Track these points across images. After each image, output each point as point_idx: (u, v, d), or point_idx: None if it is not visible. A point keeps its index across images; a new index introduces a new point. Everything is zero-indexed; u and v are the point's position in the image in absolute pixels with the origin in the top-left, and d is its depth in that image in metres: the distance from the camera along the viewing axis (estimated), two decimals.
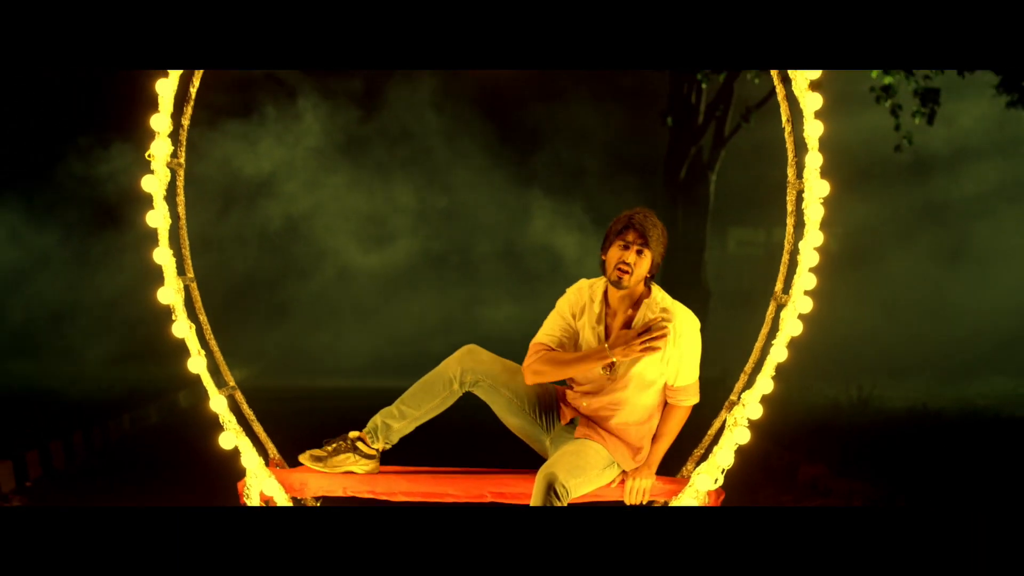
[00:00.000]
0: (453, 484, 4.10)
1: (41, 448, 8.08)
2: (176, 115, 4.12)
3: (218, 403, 4.11)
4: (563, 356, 4.05)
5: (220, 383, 4.19)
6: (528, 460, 4.31)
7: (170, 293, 4.08)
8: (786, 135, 4.02)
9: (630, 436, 4.10)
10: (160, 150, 4.08)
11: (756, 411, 4.00)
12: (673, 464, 4.21)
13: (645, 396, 4.09)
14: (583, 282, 4.22)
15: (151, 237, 4.08)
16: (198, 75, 4.12)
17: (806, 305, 3.97)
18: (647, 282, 4.11)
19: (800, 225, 4.02)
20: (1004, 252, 20.58)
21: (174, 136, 4.13)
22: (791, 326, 3.97)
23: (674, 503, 4.05)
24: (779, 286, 4.06)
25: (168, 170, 4.12)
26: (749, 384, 4.05)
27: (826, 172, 4.00)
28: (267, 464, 4.20)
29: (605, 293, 4.13)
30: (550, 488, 3.85)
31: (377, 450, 4.15)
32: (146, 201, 4.08)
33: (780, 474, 8.12)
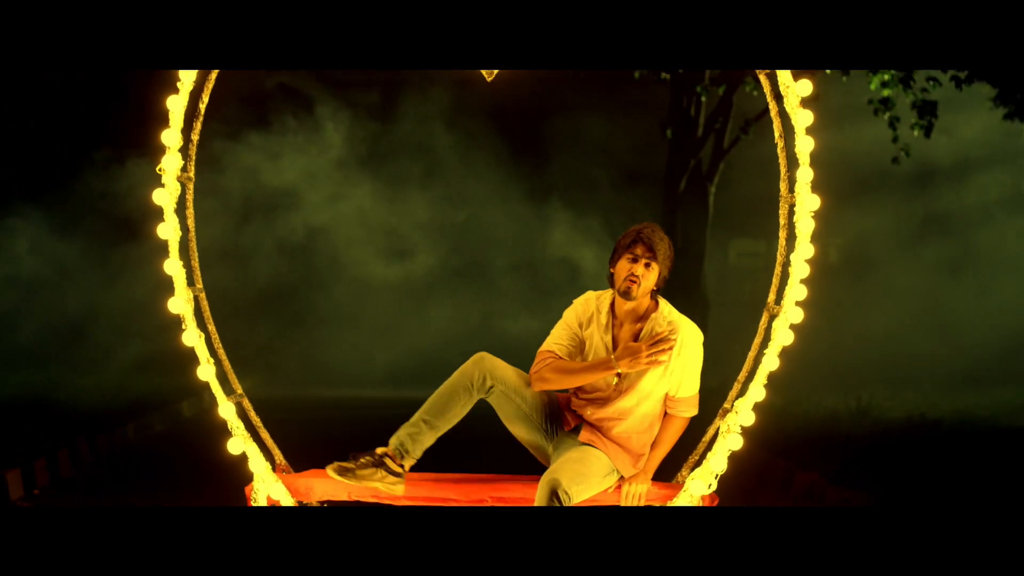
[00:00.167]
0: (455, 489, 4.22)
1: (49, 456, 8.19)
2: (186, 130, 4.25)
3: (227, 409, 4.23)
4: (570, 365, 4.18)
5: (228, 391, 4.31)
6: (529, 466, 4.43)
7: (180, 303, 4.20)
8: (779, 150, 4.15)
9: (632, 444, 4.22)
10: (170, 164, 4.21)
11: (748, 418, 4.11)
12: (668, 470, 4.33)
13: (648, 406, 4.22)
14: (590, 294, 4.35)
15: (162, 249, 4.20)
16: (207, 91, 4.25)
17: (797, 315, 4.09)
18: (654, 295, 4.24)
19: (792, 238, 4.14)
20: (1006, 263, 20.64)
21: (184, 151, 4.26)
22: (783, 336, 4.09)
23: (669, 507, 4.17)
24: (771, 297, 4.18)
25: (178, 183, 4.24)
26: (742, 392, 4.16)
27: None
28: (273, 469, 4.31)
29: (612, 305, 4.26)
30: (553, 494, 3.97)
31: (404, 468, 4.18)
32: (157, 214, 4.20)
33: (776, 482, 8.22)
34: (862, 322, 19.76)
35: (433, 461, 4.64)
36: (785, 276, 4.16)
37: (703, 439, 4.24)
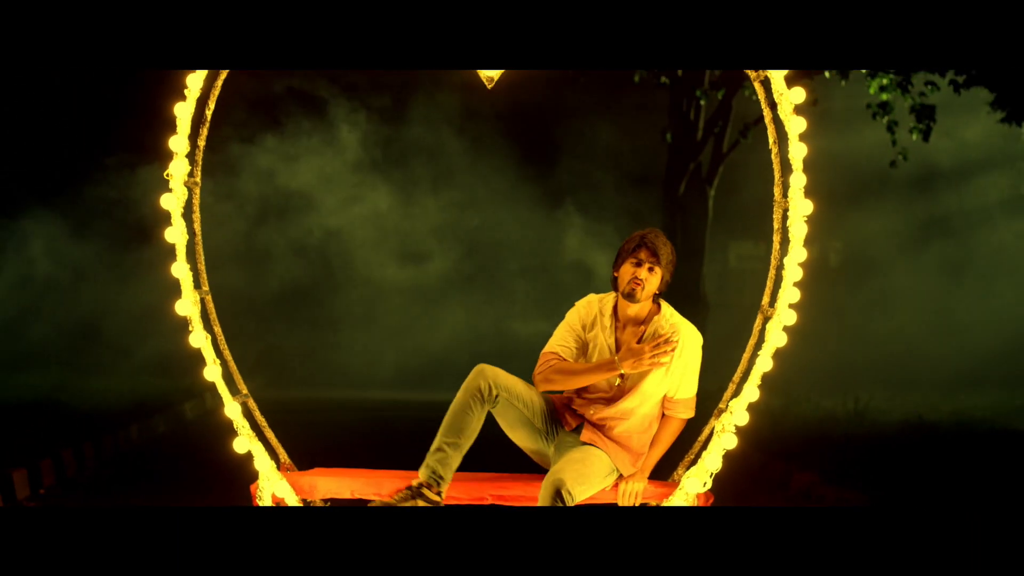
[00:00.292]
0: (455, 487, 4.31)
1: (54, 457, 8.29)
2: (193, 136, 4.35)
3: (232, 409, 4.33)
4: (574, 366, 4.28)
5: (234, 391, 4.41)
6: (528, 466, 4.53)
7: (187, 305, 4.30)
8: (773, 156, 4.25)
9: (633, 444, 4.33)
10: (178, 170, 4.31)
11: (743, 418, 4.21)
12: (665, 469, 4.43)
13: (648, 406, 4.34)
14: (592, 296, 4.45)
15: (170, 253, 4.30)
16: (213, 97, 4.34)
17: (790, 318, 4.19)
18: (656, 299, 4.34)
19: (785, 242, 4.24)
20: (1007, 265, 20.70)
21: (191, 156, 4.35)
22: (776, 337, 4.18)
23: (665, 506, 4.26)
24: (766, 300, 4.28)
25: (185, 188, 4.34)
26: (736, 392, 4.26)
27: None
28: (278, 468, 4.41)
29: (615, 307, 4.36)
30: (557, 494, 4.06)
31: (441, 494, 4.23)
32: (165, 218, 4.30)
33: (773, 483, 8.30)
34: (862, 324, 19.85)
35: (423, 455, 4.74)
36: (779, 279, 4.26)
37: (699, 438, 4.33)
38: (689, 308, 15.16)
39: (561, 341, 4.35)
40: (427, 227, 20.00)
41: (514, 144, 20.12)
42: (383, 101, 19.79)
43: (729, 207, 17.40)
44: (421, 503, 4.20)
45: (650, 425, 4.36)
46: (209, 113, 4.36)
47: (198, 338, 4.30)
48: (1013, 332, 18.94)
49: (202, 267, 4.40)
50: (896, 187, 20.12)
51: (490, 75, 4.40)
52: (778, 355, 4.24)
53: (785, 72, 4.23)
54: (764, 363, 4.19)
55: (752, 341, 4.26)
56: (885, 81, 12.34)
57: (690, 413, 4.39)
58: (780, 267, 4.24)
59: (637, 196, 19.70)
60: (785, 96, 4.17)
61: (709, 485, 4.23)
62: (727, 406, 4.26)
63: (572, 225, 19.98)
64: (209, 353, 4.32)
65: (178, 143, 4.30)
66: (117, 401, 12.26)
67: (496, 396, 4.27)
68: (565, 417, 4.39)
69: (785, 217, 4.23)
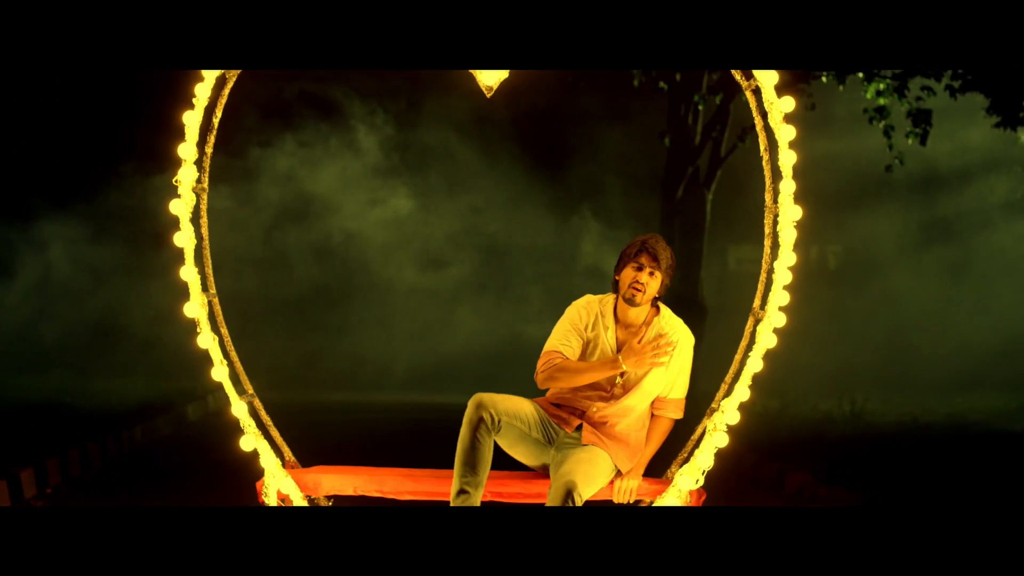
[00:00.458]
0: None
1: (60, 456, 8.42)
2: (200, 144, 4.48)
3: (239, 408, 4.46)
4: (578, 365, 4.41)
5: (240, 391, 4.54)
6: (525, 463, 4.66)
7: (195, 308, 4.43)
8: (764, 163, 4.38)
9: (631, 440, 4.47)
10: (186, 176, 4.44)
11: (734, 417, 4.34)
12: (659, 467, 4.56)
13: (646, 404, 4.50)
14: (591, 297, 4.58)
15: (178, 257, 4.44)
16: (220, 106, 4.48)
17: (780, 320, 4.32)
18: (654, 302, 4.48)
19: (776, 246, 4.37)
20: (1007, 267, 20.79)
21: (199, 163, 4.48)
22: (766, 339, 4.32)
23: (658, 502, 4.39)
24: (757, 302, 4.42)
25: (193, 194, 4.47)
26: (728, 393, 4.40)
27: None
28: (283, 465, 4.54)
29: (615, 309, 4.49)
30: (568, 495, 4.18)
31: None
32: (174, 223, 4.43)
33: (767, 483, 8.42)
34: (862, 327, 19.94)
35: (434, 458, 4.87)
36: (769, 283, 4.39)
37: (692, 437, 4.47)
38: (687, 311, 15.27)
39: (564, 340, 4.47)
40: (443, 232, 20.13)
41: (530, 148, 20.24)
42: (399, 106, 19.93)
43: (728, 211, 17.52)
44: None
45: (644, 423, 4.51)
46: (216, 121, 4.49)
47: (206, 339, 4.43)
48: (1011, 335, 19.04)
49: (209, 270, 4.53)
50: (896, 190, 20.22)
51: (489, 84, 4.52)
52: (771, 357, 4.38)
53: (775, 81, 4.36)
54: (755, 364, 4.32)
55: (743, 342, 4.40)
56: (882, 86, 12.45)
57: (679, 414, 4.54)
58: (771, 271, 4.38)
59: (651, 200, 19.85)
60: (775, 105, 4.30)
61: (701, 482, 4.36)
62: (719, 405, 4.40)
63: (588, 230, 20.11)
64: (216, 354, 4.44)
65: (186, 150, 4.43)
66: (120, 402, 12.40)
67: (499, 422, 4.35)
68: (563, 419, 4.50)
69: (775, 222, 4.36)
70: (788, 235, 4.31)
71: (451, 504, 4.34)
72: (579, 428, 4.48)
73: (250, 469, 4.61)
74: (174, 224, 4.43)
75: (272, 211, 18.97)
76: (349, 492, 4.48)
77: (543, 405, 4.52)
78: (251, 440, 4.43)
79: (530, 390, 4.63)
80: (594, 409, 4.45)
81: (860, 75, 12.58)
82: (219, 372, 4.44)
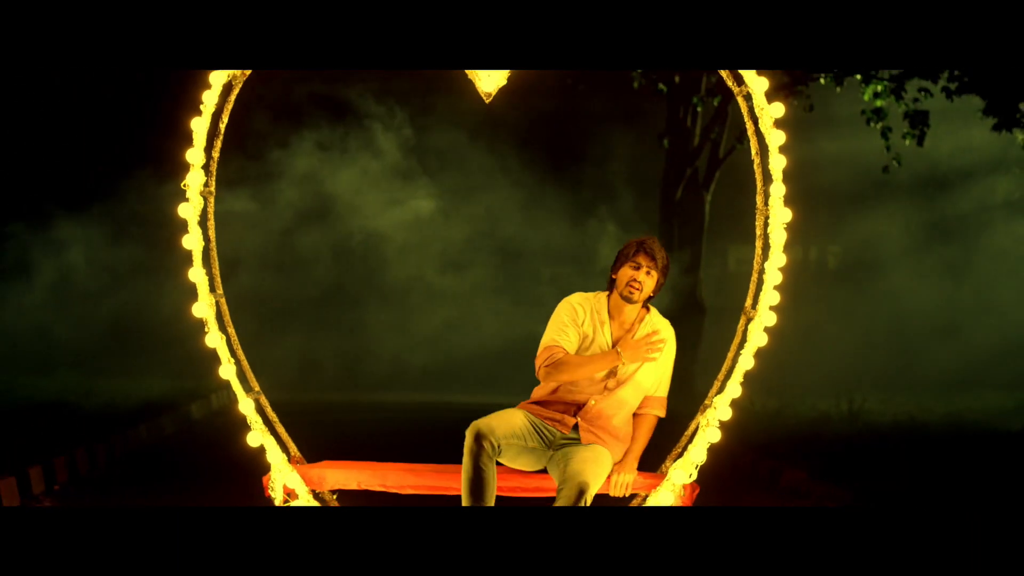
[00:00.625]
0: (455, 479, 4.55)
1: (68, 455, 8.56)
2: (208, 149, 4.61)
3: (246, 405, 4.60)
4: (578, 358, 4.54)
5: (247, 389, 4.67)
6: None
7: (203, 308, 4.56)
8: (755, 167, 4.51)
9: (622, 433, 4.61)
10: (194, 180, 4.57)
11: (726, 413, 4.48)
12: (654, 462, 4.69)
13: (636, 398, 4.63)
14: (584, 295, 4.70)
15: (187, 259, 4.57)
16: (226, 112, 4.61)
17: (771, 319, 4.46)
18: (645, 302, 4.61)
19: (767, 247, 4.50)
20: (1006, 268, 20.87)
21: (206, 168, 4.62)
22: (758, 337, 4.45)
23: (652, 495, 4.52)
24: (748, 302, 4.55)
25: (201, 198, 4.60)
26: (721, 390, 4.53)
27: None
28: (289, 460, 4.67)
29: (608, 306, 4.63)
30: (581, 495, 4.30)
31: None
32: (182, 226, 4.57)
33: (763, 481, 8.52)
34: (861, 327, 20.04)
35: (435, 454, 5.00)
36: (760, 283, 4.52)
37: (685, 432, 4.60)
38: (686, 312, 15.45)
39: (562, 334, 4.59)
40: (461, 235, 20.24)
41: (542, 152, 20.34)
42: (415, 108, 20.04)
43: (727, 212, 17.63)
44: None
45: (631, 417, 4.63)
46: (223, 127, 4.62)
47: (214, 338, 4.56)
48: (1011, 335, 19.12)
49: (217, 271, 4.66)
50: (896, 191, 20.29)
51: (488, 90, 4.64)
52: (769, 356, 4.53)
53: (766, 87, 4.48)
54: (746, 362, 4.46)
55: (735, 341, 4.54)
56: (879, 88, 12.55)
57: (663, 412, 4.67)
58: (762, 271, 4.51)
59: (634, 199, 19.96)
60: (765, 111, 4.43)
61: (694, 476, 4.50)
62: (712, 402, 4.53)
63: (605, 233, 20.22)
64: (224, 352, 4.58)
65: (194, 155, 4.56)
66: (124, 402, 12.55)
67: (499, 447, 4.44)
68: (556, 421, 4.58)
69: (767, 224, 4.49)
70: (778, 237, 4.44)
71: None
72: (575, 428, 4.59)
73: (255, 465, 4.74)
74: (183, 227, 4.56)
75: (292, 212, 19.11)
76: (353, 486, 4.61)
77: (532, 410, 4.59)
78: (258, 436, 4.57)
79: None
80: (592, 402, 4.57)
81: (858, 77, 12.66)
82: (226, 370, 4.57)
